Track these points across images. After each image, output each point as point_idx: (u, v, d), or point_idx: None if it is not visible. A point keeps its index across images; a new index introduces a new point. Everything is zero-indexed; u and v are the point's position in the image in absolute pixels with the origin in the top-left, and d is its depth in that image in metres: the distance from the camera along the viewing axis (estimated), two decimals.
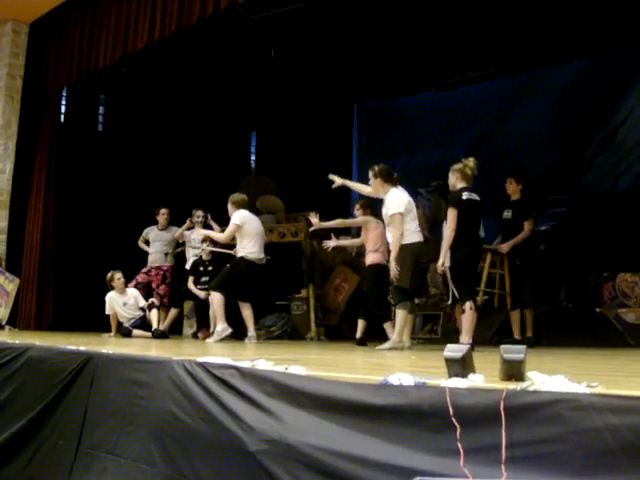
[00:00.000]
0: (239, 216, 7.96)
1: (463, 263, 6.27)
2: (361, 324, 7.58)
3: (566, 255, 8.04)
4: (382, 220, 6.88)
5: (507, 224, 7.64)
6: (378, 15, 9.35)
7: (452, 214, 6.26)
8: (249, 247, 7.89)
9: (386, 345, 6.42)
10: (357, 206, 7.94)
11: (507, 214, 7.63)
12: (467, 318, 6.18)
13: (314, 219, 7.73)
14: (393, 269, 6.42)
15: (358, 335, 7.52)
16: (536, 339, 7.33)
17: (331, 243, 8.09)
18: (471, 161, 6.48)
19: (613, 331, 8.18)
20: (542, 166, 9.71)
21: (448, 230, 6.25)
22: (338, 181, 7.28)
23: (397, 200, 6.54)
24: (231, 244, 8.29)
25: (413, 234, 6.58)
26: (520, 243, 7.49)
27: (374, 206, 7.57)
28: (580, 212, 9.64)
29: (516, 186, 7.64)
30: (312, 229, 7.73)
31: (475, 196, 6.45)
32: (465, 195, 6.32)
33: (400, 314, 6.51)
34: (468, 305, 6.17)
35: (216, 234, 8.61)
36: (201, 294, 8.97)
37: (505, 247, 7.59)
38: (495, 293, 7.87)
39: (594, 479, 1.99)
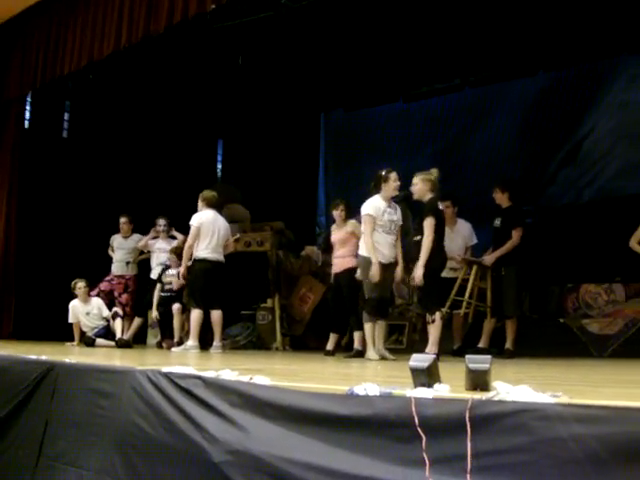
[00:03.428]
0: (197, 218, 7.92)
1: (434, 274, 6.25)
2: (333, 337, 7.49)
3: (530, 266, 8.07)
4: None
5: (496, 232, 7.59)
6: (346, 25, 9.37)
7: (431, 223, 6.14)
8: (201, 248, 7.83)
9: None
10: (341, 207, 7.64)
11: (497, 222, 7.57)
12: (436, 328, 6.17)
13: None
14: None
15: (330, 347, 7.40)
16: (499, 349, 7.20)
17: None
18: (436, 172, 6.50)
19: (577, 342, 8.23)
20: (507, 177, 9.78)
21: (427, 239, 6.09)
22: None
23: None
24: None
25: None
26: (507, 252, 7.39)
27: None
28: (545, 223, 9.71)
29: (501, 194, 7.57)
30: None
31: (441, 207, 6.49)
32: (440, 205, 6.35)
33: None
34: (438, 315, 6.17)
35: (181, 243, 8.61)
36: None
37: (489, 260, 7.53)
38: (471, 305, 7.56)
39: None
